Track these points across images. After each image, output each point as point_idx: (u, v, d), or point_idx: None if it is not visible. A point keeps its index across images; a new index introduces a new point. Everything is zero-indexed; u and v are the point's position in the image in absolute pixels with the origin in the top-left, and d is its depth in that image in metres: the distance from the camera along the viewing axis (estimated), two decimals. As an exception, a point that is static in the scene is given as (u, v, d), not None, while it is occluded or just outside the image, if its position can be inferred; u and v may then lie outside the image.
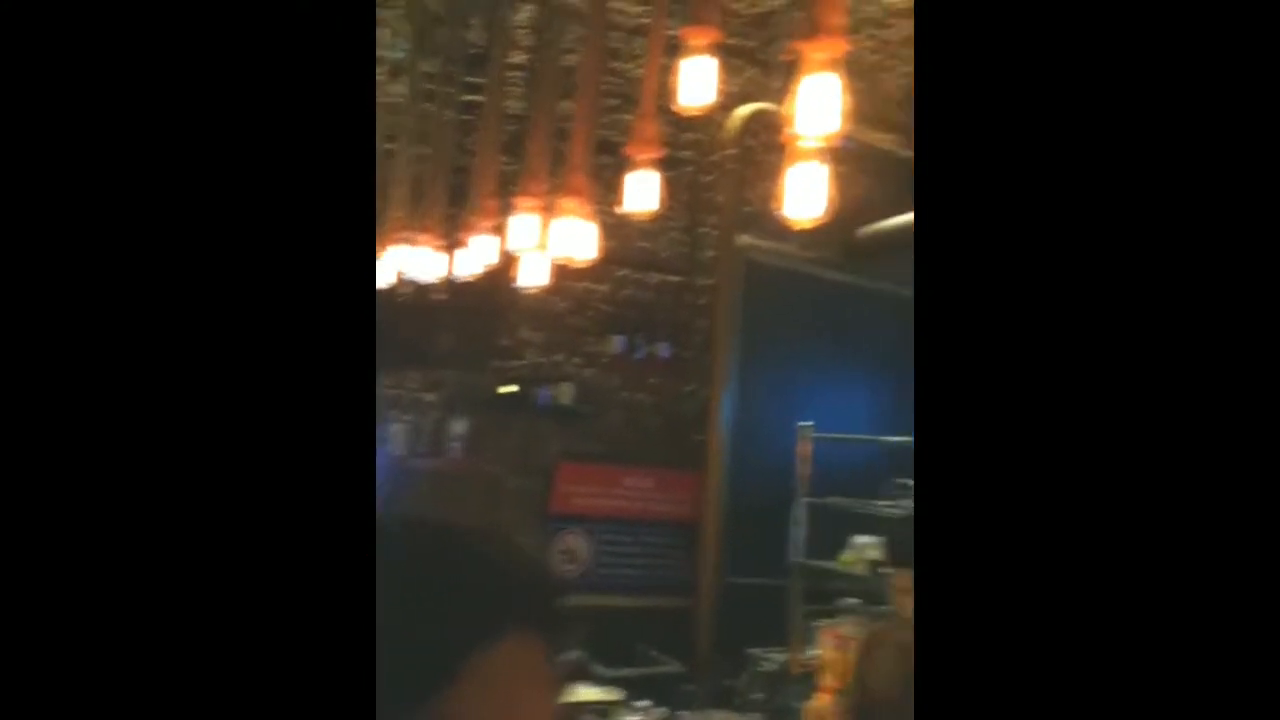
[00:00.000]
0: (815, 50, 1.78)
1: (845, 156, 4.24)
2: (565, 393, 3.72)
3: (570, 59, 3.13)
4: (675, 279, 4.06)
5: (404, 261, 3.22)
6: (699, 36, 2.09)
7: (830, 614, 3.34)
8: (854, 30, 4.36)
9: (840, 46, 1.79)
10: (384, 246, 3.23)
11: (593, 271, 3.24)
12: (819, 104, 1.77)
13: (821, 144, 1.83)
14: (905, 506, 3.42)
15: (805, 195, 1.84)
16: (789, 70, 1.88)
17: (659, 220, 3.85)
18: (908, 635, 2.42)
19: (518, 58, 3.62)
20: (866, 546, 3.43)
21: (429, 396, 3.74)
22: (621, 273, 3.96)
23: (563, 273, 2.86)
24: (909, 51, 4.54)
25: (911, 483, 3.56)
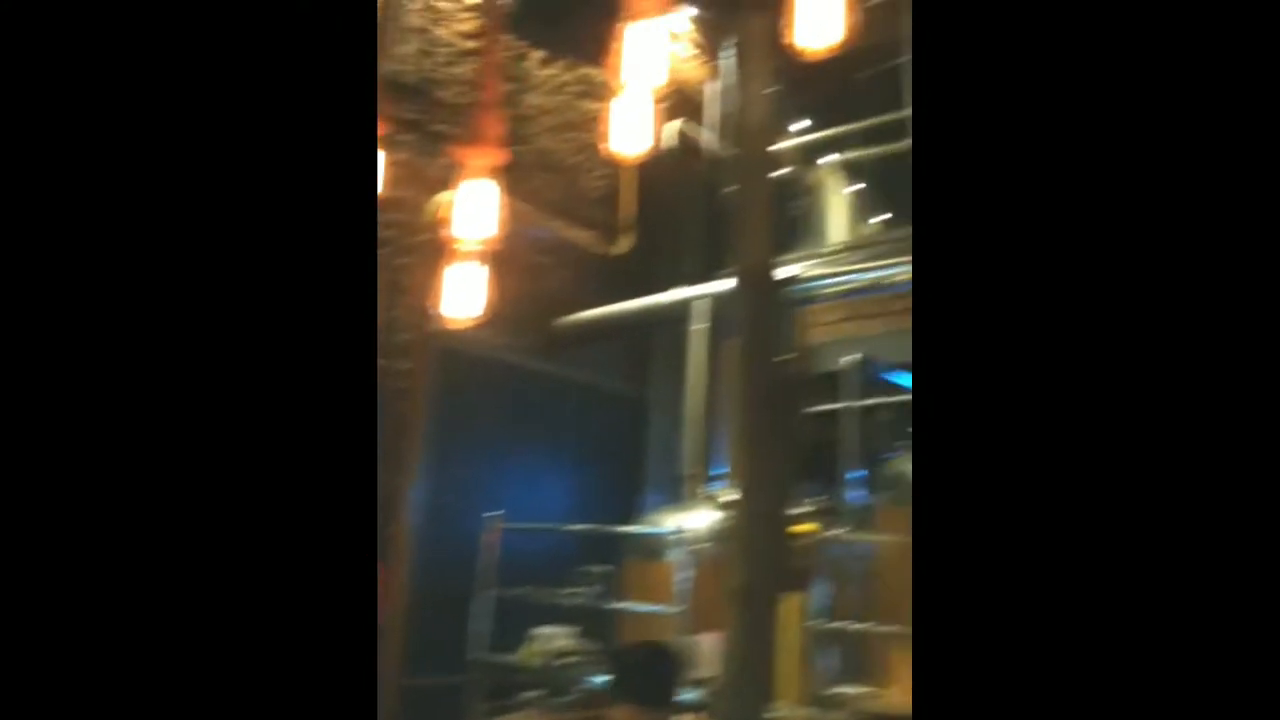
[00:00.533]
0: (473, 158, 1.81)
1: (545, 249, 4.38)
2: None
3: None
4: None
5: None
6: (368, 128, 2.06)
7: (512, 709, 3.28)
8: (556, 132, 4.58)
9: (499, 156, 1.85)
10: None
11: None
12: (476, 209, 1.80)
13: (479, 246, 1.86)
14: (585, 594, 3.47)
15: (462, 295, 1.85)
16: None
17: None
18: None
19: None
20: (551, 637, 3.43)
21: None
22: (310, 353, 3.76)
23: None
24: (602, 154, 4.82)
25: (593, 569, 3.62)
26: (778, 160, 4.61)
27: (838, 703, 2.72)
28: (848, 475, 3.27)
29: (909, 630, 2.92)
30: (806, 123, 4.68)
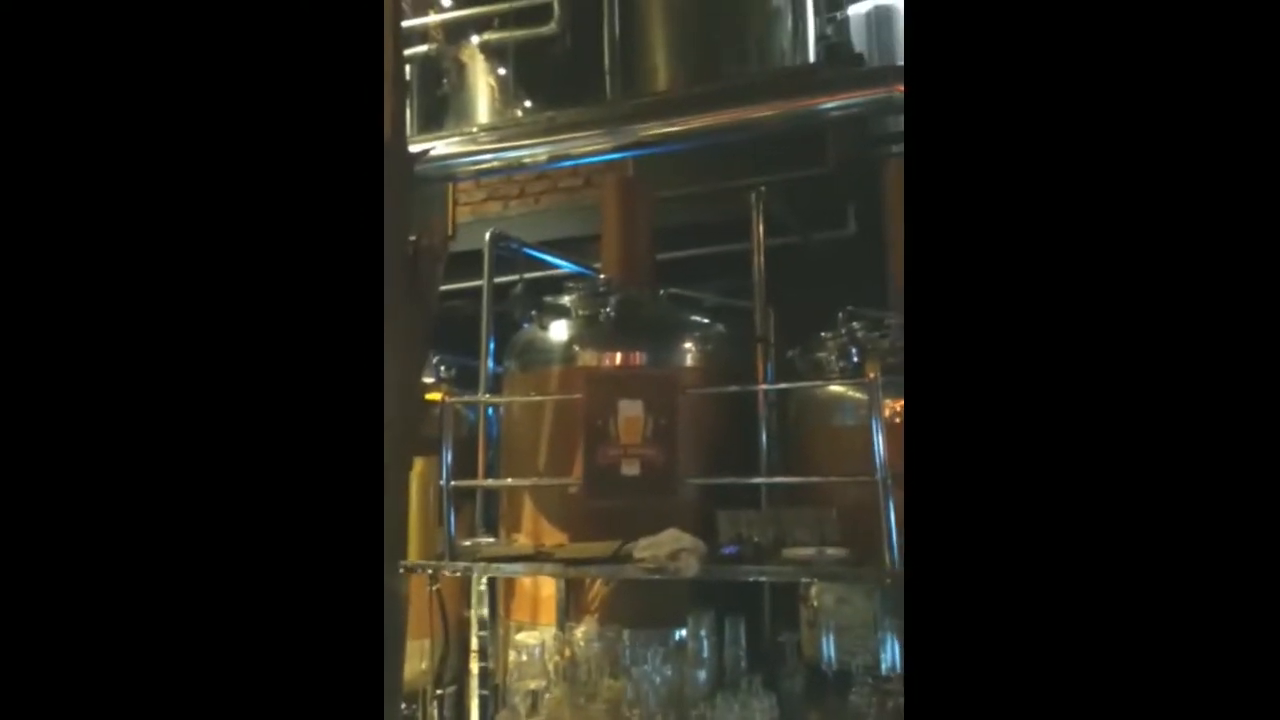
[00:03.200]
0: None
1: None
2: None
3: None
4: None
5: None
6: None
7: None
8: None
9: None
10: None
11: None
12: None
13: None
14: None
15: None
16: None
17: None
18: None
19: None
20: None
21: None
22: None
23: None
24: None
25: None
26: (417, 35, 4.52)
27: (469, 552, 2.93)
28: (481, 345, 3.43)
29: (536, 482, 3.15)
30: (449, 1, 4.61)
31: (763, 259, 3.32)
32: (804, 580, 2.64)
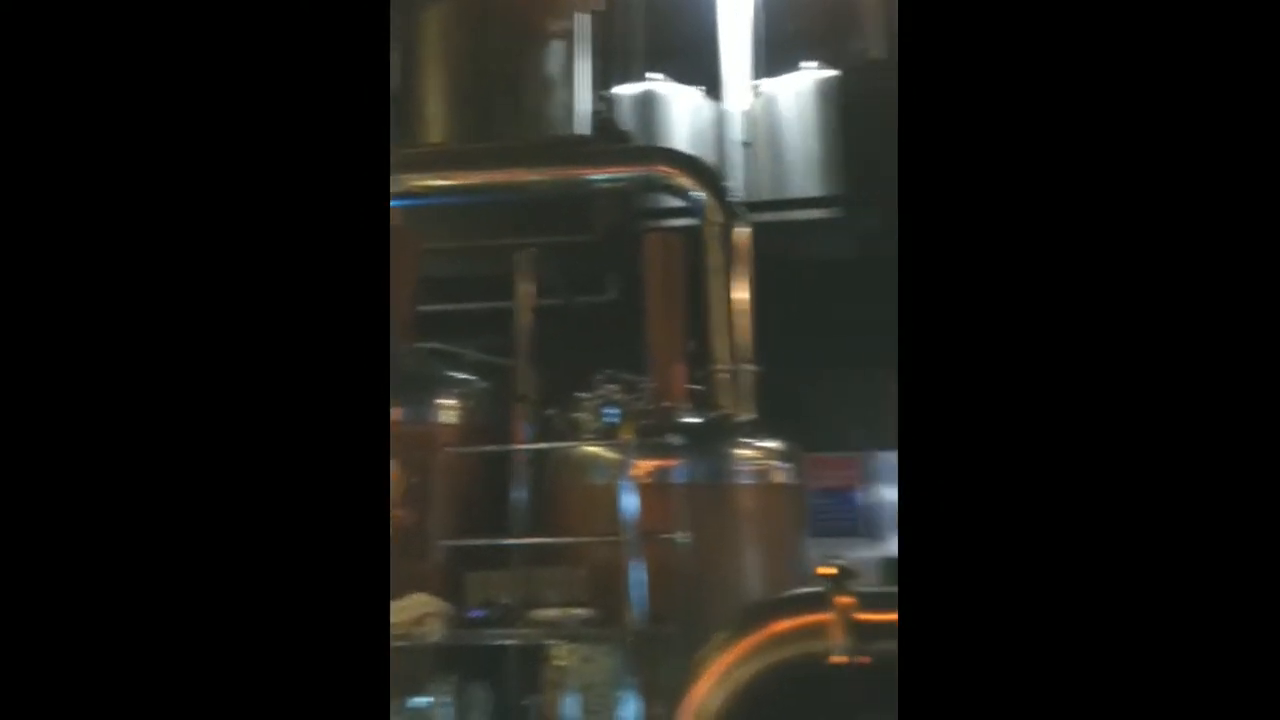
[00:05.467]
0: None
1: None
2: None
3: None
4: None
5: None
6: None
7: None
8: None
9: None
10: None
11: None
12: None
13: None
14: None
15: None
16: None
17: None
18: None
19: None
20: None
21: None
22: None
23: None
24: None
25: None
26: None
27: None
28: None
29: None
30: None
31: (527, 318, 3.36)
32: (548, 641, 2.65)
